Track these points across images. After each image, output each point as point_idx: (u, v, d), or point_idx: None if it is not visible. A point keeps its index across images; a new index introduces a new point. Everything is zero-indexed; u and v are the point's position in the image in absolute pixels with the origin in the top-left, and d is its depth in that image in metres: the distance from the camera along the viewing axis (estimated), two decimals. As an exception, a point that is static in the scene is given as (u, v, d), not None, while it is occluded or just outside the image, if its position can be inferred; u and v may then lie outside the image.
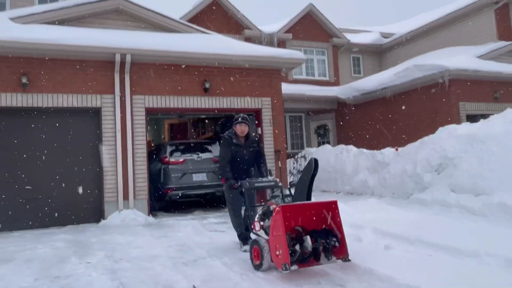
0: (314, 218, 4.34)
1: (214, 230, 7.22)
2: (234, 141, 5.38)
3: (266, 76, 10.25)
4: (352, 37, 19.86)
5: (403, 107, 14.22)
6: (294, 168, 10.45)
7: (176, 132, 15.59)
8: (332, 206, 4.41)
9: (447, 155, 8.27)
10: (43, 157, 8.42)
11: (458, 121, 12.87)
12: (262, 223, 4.80)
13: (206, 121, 14.20)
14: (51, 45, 8.09)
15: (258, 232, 4.80)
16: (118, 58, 8.57)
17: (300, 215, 4.28)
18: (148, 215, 8.91)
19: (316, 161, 4.67)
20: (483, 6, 15.42)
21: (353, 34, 20.75)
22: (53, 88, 8.40)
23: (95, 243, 6.34)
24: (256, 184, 5.03)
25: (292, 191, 4.95)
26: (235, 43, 10.48)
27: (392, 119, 14.73)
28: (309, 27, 18.57)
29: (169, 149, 10.44)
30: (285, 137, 10.91)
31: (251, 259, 4.55)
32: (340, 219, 4.39)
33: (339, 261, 4.29)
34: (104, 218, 8.55)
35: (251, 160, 5.52)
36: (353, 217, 6.79)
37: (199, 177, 10.26)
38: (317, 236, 4.16)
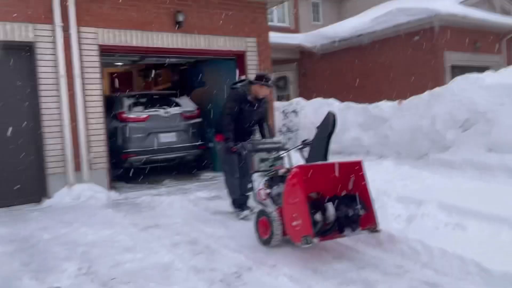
0: (335, 181, 3.71)
1: (216, 211, 5.37)
2: (248, 98, 4.74)
3: (250, 10, 8.17)
4: (312, -20, 17.98)
5: (381, 57, 12.91)
6: (284, 125, 8.76)
7: (120, 84, 12.89)
8: (355, 168, 3.75)
9: (477, 108, 7.03)
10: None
11: (443, 73, 11.90)
12: (268, 190, 4.19)
13: (157, 70, 11.78)
14: None
15: (264, 202, 4.20)
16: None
17: (318, 178, 3.61)
18: (109, 189, 6.74)
19: (334, 116, 4.16)
20: None
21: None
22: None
23: (51, 242, 4.19)
24: (260, 146, 4.44)
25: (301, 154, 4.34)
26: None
27: (368, 70, 13.39)
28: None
29: (126, 102, 8.12)
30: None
31: (257, 233, 3.96)
32: (365, 182, 3.73)
33: (365, 231, 3.63)
34: (48, 197, 6.25)
35: (256, 122, 5.01)
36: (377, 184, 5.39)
37: (168, 138, 8.16)
38: (340, 203, 3.58)
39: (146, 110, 8.05)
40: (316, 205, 3.55)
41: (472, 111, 7.13)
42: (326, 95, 11.31)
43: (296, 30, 17.01)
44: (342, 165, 3.75)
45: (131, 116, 7.90)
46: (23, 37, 6.09)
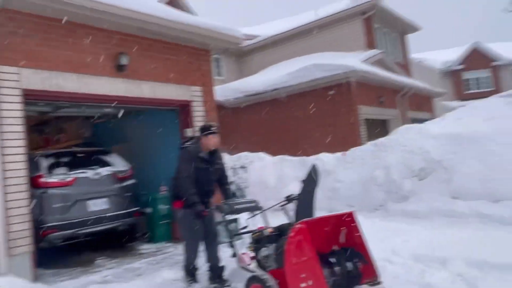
0: (329, 235, 3.67)
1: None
2: (201, 154, 4.38)
3: (194, 57, 7.38)
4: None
5: (298, 110, 13.06)
6: (232, 183, 7.82)
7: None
8: (346, 219, 3.68)
9: (433, 157, 7.21)
10: None
11: (358, 125, 12.44)
12: (253, 254, 3.93)
13: (59, 123, 9.97)
14: None
15: (248, 267, 3.87)
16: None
17: (316, 233, 3.46)
18: (34, 281, 4.96)
19: (318, 169, 4.13)
20: (353, 15, 15.75)
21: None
22: None
23: None
24: (237, 206, 4.10)
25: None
26: (158, 5, 7.21)
27: (285, 123, 13.41)
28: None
29: (44, 162, 6.42)
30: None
31: None
32: (360, 233, 3.65)
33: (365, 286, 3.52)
34: None
35: (214, 180, 4.60)
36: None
37: (98, 205, 6.63)
38: (340, 257, 3.49)
39: (71, 172, 6.44)
40: (322, 261, 3.37)
41: (427, 160, 7.27)
42: (244, 149, 10.80)
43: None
44: (335, 217, 3.68)
45: (52, 180, 6.22)
46: None
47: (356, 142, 11.78)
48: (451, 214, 6.49)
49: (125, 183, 7.10)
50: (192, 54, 7.33)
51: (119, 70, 6.11)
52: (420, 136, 7.67)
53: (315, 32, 16.24)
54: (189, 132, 7.13)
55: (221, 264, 4.62)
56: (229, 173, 8.01)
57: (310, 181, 4.14)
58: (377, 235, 5.67)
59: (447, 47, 30.73)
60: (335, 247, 3.69)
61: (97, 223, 6.47)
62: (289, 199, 4.19)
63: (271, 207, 4.42)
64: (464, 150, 6.94)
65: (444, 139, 7.31)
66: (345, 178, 8.42)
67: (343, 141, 11.95)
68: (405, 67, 18.25)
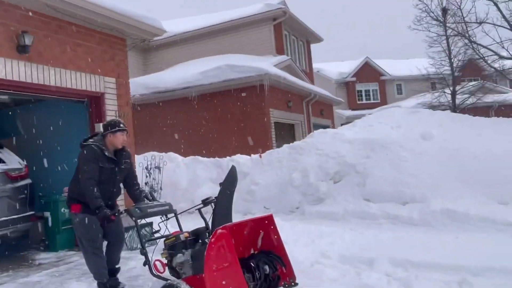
0: (247, 239, 3.66)
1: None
2: (106, 153, 3.99)
3: (109, 45, 6.69)
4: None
5: (210, 110, 12.79)
6: (147, 184, 7.17)
7: None
8: (265, 222, 3.71)
9: (347, 161, 7.51)
10: None
11: (270, 128, 12.60)
12: (165, 261, 3.77)
13: None
14: None
15: (162, 275, 3.68)
16: None
17: (236, 238, 3.46)
18: None
19: (235, 170, 4.03)
20: (264, 19, 15.97)
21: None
22: None
23: None
24: (149, 210, 3.79)
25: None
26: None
27: (195, 122, 13.02)
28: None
29: None
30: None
31: None
32: (279, 235, 3.72)
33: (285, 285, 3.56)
34: None
35: (120, 181, 4.24)
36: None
37: (-14, 209, 5.59)
38: (259, 261, 3.49)
39: (-50, 169, 5.35)
40: (244, 266, 3.35)
41: (341, 164, 7.55)
42: (151, 149, 10.22)
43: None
44: (254, 221, 3.67)
45: None
46: None
47: (268, 145, 11.92)
48: (364, 216, 6.81)
49: (19, 183, 6.13)
50: (107, 41, 6.63)
51: (21, 51, 5.22)
52: (335, 141, 7.95)
53: (226, 33, 16.15)
54: (100, 128, 6.42)
55: (117, 266, 4.34)
56: (143, 174, 7.46)
57: (230, 184, 3.96)
58: (302, 238, 5.72)
59: (341, 59, 33.04)
60: (255, 251, 3.67)
61: (-17, 231, 5.46)
62: (205, 202, 3.99)
63: (187, 210, 4.28)
64: (376, 155, 7.35)
65: (357, 144, 7.68)
66: (261, 180, 8.39)
67: (255, 143, 12.01)
68: (309, 75, 19.10)
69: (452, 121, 7.89)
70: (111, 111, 6.62)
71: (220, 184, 3.91)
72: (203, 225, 3.94)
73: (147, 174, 7.35)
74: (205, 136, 12.86)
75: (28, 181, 6.30)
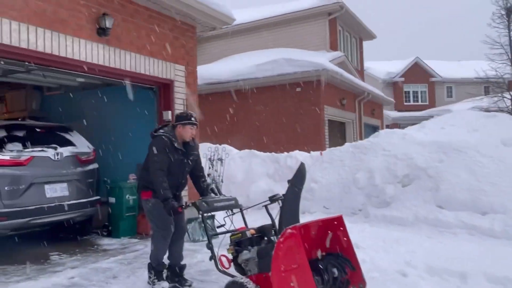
0: (317, 241, 3.44)
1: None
2: (176, 144, 3.96)
3: (179, 32, 6.58)
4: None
5: (263, 104, 12.58)
6: (209, 176, 7.05)
7: None
8: (335, 224, 3.48)
9: (417, 164, 7.08)
10: None
11: (323, 125, 12.26)
12: (231, 257, 3.71)
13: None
14: None
15: (227, 271, 3.62)
16: None
17: (305, 238, 3.20)
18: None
19: (305, 168, 3.89)
20: (319, 14, 15.56)
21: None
22: None
23: None
24: (216, 204, 3.76)
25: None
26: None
27: (247, 116, 12.86)
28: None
29: (-7, 135, 5.28)
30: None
31: None
32: (348, 238, 3.48)
33: None
34: None
35: (188, 172, 4.22)
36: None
37: (57, 191, 5.64)
38: (329, 262, 3.31)
39: (27, 150, 5.37)
40: (314, 268, 3.17)
41: (411, 167, 7.13)
42: (203, 139, 10.11)
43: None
44: (324, 222, 3.49)
45: (2, 157, 5.12)
46: None
47: (321, 142, 11.61)
48: (437, 224, 6.38)
49: (87, 167, 6.13)
50: (178, 28, 6.52)
51: (101, 34, 5.17)
52: (404, 142, 7.54)
53: (280, 26, 15.85)
54: (169, 116, 6.33)
55: (183, 262, 4.29)
56: (207, 165, 7.33)
57: (298, 181, 3.83)
58: (375, 242, 5.40)
59: (389, 59, 32.05)
60: (322, 253, 3.47)
61: (54, 212, 5.47)
62: (273, 199, 3.89)
63: (253, 206, 4.26)
64: (450, 159, 6.90)
65: (429, 147, 7.24)
66: (322, 178, 8.09)
67: (307, 140, 11.72)
68: (360, 73, 18.55)
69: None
70: (179, 99, 6.51)
71: (288, 181, 3.80)
72: (269, 222, 3.87)
73: (210, 166, 7.20)
74: (256, 129, 12.68)
75: (95, 165, 6.31)
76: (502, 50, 19.39)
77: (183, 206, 3.79)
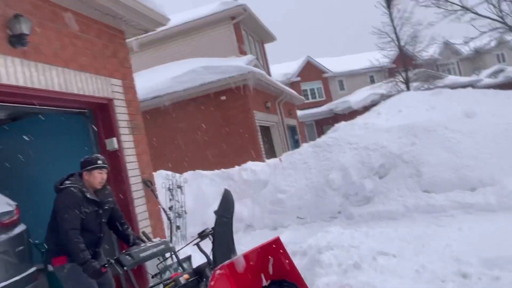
0: (257, 269, 3.34)
1: None
2: (88, 195, 3.48)
3: (108, 38, 5.24)
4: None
5: (186, 119, 11.40)
6: (170, 208, 5.64)
7: None
8: (273, 247, 3.43)
9: (392, 151, 6.68)
10: None
11: (256, 131, 11.53)
12: None
13: None
14: None
15: None
16: None
17: (242, 272, 3.14)
18: None
19: (230, 193, 3.61)
20: (222, 19, 14.82)
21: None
22: None
23: None
24: (142, 254, 3.40)
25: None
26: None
27: (170, 135, 11.53)
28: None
29: None
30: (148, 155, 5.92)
31: None
32: (290, 259, 3.44)
33: None
34: None
35: (105, 224, 3.73)
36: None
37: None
38: None
39: None
40: None
41: (386, 156, 6.74)
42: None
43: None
44: (260, 249, 3.34)
45: None
46: None
47: (258, 150, 10.86)
48: (429, 210, 6.02)
49: (13, 232, 4.47)
50: (105, 33, 5.17)
51: (15, 43, 3.68)
52: (369, 131, 7.12)
53: (186, 36, 14.74)
54: (114, 144, 4.95)
55: None
56: (167, 196, 6.05)
57: (226, 210, 3.53)
58: (390, 245, 4.73)
59: (284, 60, 32.84)
60: (267, 281, 3.36)
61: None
62: (202, 235, 3.54)
63: (183, 247, 3.93)
64: (422, 141, 6.63)
65: (397, 132, 6.91)
66: (289, 187, 7.30)
67: (243, 149, 10.87)
68: (268, 75, 18.28)
69: (485, 96, 7.42)
70: (123, 121, 5.16)
71: (215, 212, 3.45)
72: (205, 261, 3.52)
73: (171, 197, 5.91)
74: (182, 148, 11.43)
75: (23, 227, 4.65)
76: (389, 39, 20.86)
77: (106, 265, 3.26)
